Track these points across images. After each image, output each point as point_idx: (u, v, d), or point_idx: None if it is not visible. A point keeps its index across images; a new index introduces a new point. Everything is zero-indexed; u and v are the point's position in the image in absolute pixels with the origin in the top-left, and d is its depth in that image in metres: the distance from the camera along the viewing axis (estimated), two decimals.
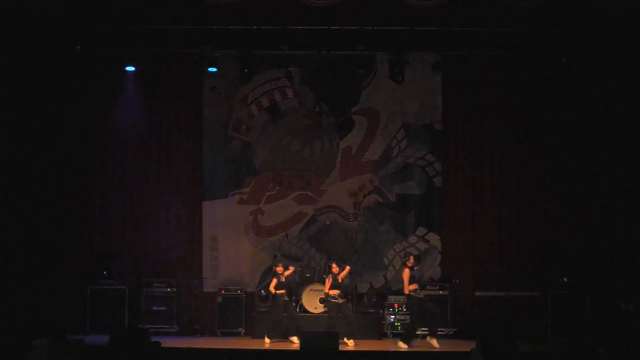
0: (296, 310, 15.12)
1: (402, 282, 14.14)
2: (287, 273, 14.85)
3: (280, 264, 14.94)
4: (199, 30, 15.14)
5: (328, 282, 14.61)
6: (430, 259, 16.20)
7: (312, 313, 15.23)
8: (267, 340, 14.36)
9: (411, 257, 14.16)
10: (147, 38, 15.27)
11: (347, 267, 14.74)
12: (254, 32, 15.18)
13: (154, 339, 11.60)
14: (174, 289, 15.77)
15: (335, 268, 14.58)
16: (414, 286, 13.99)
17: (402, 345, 13.66)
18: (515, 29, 14.91)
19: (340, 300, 14.49)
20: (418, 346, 13.88)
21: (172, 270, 16.16)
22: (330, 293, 14.53)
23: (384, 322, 15.42)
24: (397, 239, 16.33)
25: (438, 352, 13.14)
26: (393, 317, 15.46)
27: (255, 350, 13.25)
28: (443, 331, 15.07)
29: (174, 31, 15.33)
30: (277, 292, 14.64)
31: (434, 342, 13.76)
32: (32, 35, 15.14)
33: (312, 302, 15.28)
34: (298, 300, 15.36)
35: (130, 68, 15.95)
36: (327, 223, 16.40)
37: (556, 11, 14.09)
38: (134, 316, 15.54)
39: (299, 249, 16.38)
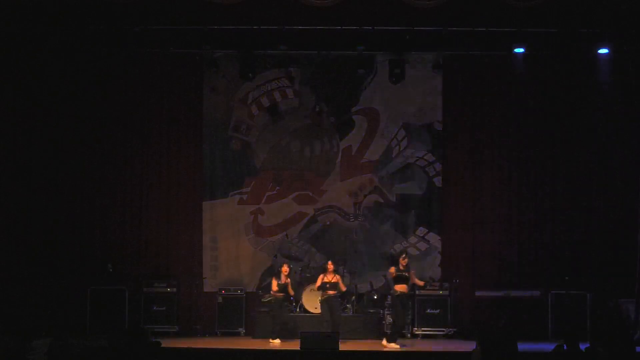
0: (296, 311, 15.14)
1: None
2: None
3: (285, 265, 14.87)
4: (199, 30, 15.13)
5: (319, 279, 14.46)
6: (430, 259, 16.21)
7: (312, 313, 15.21)
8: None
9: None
10: (147, 38, 15.27)
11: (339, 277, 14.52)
12: (254, 32, 15.18)
13: (154, 339, 11.58)
14: (174, 289, 15.77)
15: (330, 266, 14.44)
16: (402, 287, 13.92)
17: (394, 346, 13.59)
18: (515, 29, 14.90)
19: (332, 292, 14.30)
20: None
21: (172, 270, 16.17)
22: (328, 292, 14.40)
23: (384, 322, 15.41)
24: (397, 239, 16.33)
25: (438, 352, 13.13)
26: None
27: (255, 350, 13.24)
28: (443, 331, 15.08)
29: (174, 31, 15.33)
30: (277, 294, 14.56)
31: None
32: (31, 35, 15.13)
33: (312, 302, 15.26)
34: (298, 300, 15.35)
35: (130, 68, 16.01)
36: (327, 223, 16.40)
37: (555, 11, 14.09)
38: (134, 316, 15.54)
39: (299, 249, 16.38)
